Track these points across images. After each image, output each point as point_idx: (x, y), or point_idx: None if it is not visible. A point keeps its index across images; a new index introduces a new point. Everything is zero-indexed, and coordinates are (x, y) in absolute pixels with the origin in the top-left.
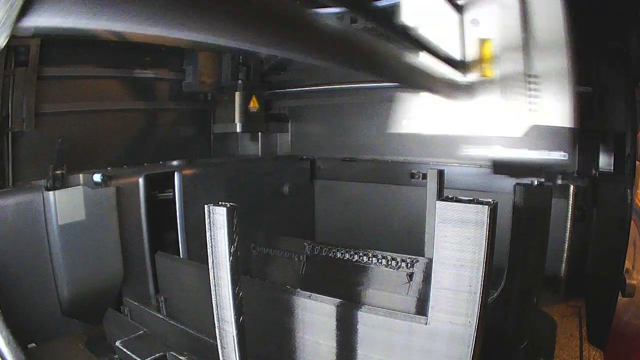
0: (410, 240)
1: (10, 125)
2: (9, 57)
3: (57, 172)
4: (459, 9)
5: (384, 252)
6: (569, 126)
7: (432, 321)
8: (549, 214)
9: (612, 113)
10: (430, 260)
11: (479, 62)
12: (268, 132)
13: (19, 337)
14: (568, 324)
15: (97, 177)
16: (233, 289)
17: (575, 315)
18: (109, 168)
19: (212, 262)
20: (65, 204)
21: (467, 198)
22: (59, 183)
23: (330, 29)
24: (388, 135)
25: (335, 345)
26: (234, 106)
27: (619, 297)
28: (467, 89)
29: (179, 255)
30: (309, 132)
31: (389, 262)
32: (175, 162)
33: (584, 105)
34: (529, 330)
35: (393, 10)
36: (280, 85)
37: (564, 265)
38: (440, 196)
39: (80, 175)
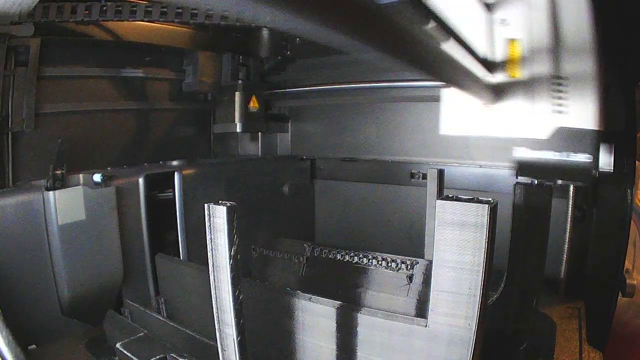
0: (410, 240)
1: (10, 125)
2: (9, 57)
3: (57, 172)
4: (489, 7)
5: (384, 254)
6: (593, 128)
7: (432, 323)
8: (549, 214)
9: (612, 113)
10: (430, 262)
11: (508, 62)
12: (268, 132)
13: (19, 337)
14: (567, 326)
15: (97, 177)
16: (233, 292)
17: (575, 317)
18: (109, 168)
19: (213, 265)
20: (65, 204)
21: (467, 197)
22: (59, 183)
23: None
24: (391, 136)
25: (335, 347)
26: (234, 106)
27: (618, 298)
28: (495, 89)
29: (179, 256)
30: (309, 132)
31: (389, 264)
32: (175, 162)
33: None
34: (528, 332)
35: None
36: (280, 85)
37: (563, 266)
38: (440, 196)
39: (80, 175)
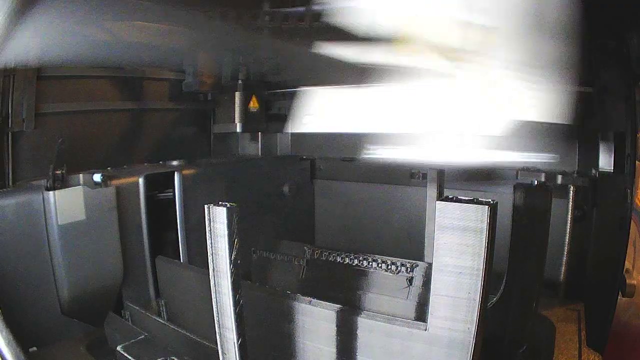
0: (410, 240)
1: (10, 125)
2: None
3: (57, 172)
4: None
5: (384, 257)
6: (558, 123)
7: (432, 327)
8: (549, 214)
9: (612, 113)
10: (430, 265)
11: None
12: (268, 132)
13: (20, 338)
14: (567, 328)
15: (97, 177)
16: (234, 296)
17: (575, 319)
18: (109, 168)
19: (213, 269)
20: (65, 204)
21: (467, 198)
22: (59, 183)
23: None
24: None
25: (335, 350)
26: (234, 106)
27: (618, 298)
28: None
29: (179, 256)
30: (309, 132)
31: (389, 267)
32: (175, 162)
33: (584, 105)
34: (528, 335)
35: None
36: (280, 85)
37: (563, 267)
38: (440, 196)
39: (80, 175)
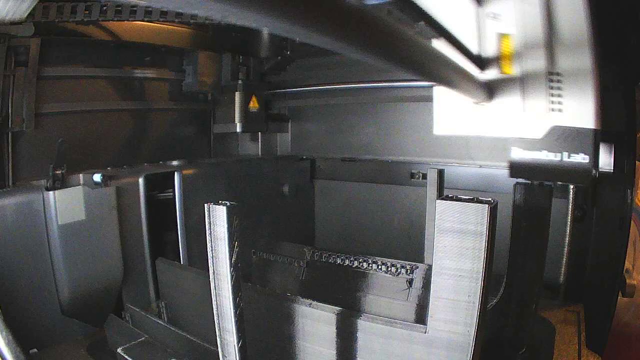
0: (410, 240)
1: (10, 125)
2: (9, 57)
3: (57, 172)
4: (479, 2)
5: (384, 259)
6: (591, 127)
7: (431, 330)
8: (549, 214)
9: (612, 113)
10: (430, 267)
11: (499, 58)
12: (268, 132)
13: (20, 338)
14: (567, 330)
15: (97, 177)
16: (234, 299)
17: (574, 321)
18: (109, 168)
19: (213, 272)
20: (65, 204)
21: (467, 197)
22: (59, 183)
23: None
24: (391, 136)
25: (335, 353)
26: (234, 106)
27: (618, 298)
28: (489, 87)
29: (179, 255)
30: (309, 132)
31: (389, 269)
32: (175, 162)
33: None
34: (527, 337)
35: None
36: (280, 85)
37: (563, 268)
38: (440, 196)
39: (80, 175)
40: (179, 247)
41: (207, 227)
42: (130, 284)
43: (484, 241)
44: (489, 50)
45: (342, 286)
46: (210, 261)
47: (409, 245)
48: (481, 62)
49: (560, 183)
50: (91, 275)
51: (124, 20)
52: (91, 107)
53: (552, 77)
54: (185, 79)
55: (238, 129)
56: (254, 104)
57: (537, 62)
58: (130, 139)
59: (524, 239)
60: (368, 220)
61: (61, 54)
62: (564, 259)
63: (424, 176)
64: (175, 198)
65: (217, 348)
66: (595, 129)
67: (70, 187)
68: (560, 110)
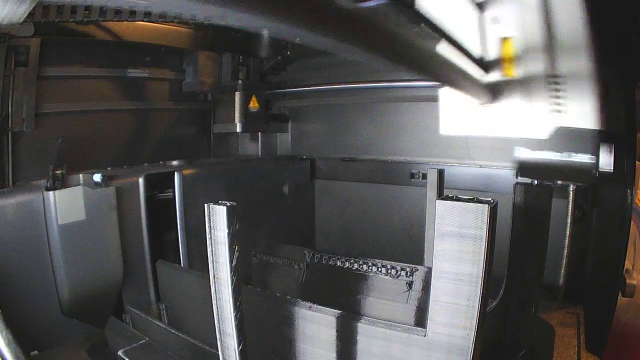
0: (411, 240)
1: (10, 125)
2: (9, 57)
3: (57, 172)
4: (480, 6)
5: (384, 261)
6: (595, 128)
7: (431, 333)
8: (549, 215)
9: (612, 113)
10: (430, 269)
11: (502, 60)
12: (268, 132)
13: (20, 339)
14: (566, 332)
15: (97, 177)
16: (234, 303)
17: (574, 323)
18: (109, 168)
19: (214, 276)
20: (65, 204)
21: (467, 197)
22: (59, 183)
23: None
24: (391, 136)
25: (335, 355)
26: (234, 106)
27: (618, 299)
28: (491, 88)
29: (179, 255)
30: (309, 132)
31: (389, 271)
32: (175, 162)
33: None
34: (527, 339)
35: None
36: (280, 85)
37: (563, 269)
38: (440, 196)
39: (80, 175)
40: (178, 247)
41: (207, 230)
42: (131, 285)
43: (484, 242)
44: (491, 52)
45: (342, 288)
46: (210, 265)
47: (409, 245)
48: (484, 65)
49: (560, 183)
50: (91, 275)
51: (123, 21)
52: (91, 107)
53: (552, 80)
54: (185, 79)
55: (238, 129)
56: (254, 104)
57: (538, 65)
58: (130, 139)
59: (524, 239)
60: (368, 220)
61: (61, 54)
62: (564, 260)
63: (424, 176)
64: (175, 198)
65: (218, 351)
66: (598, 129)
67: (70, 187)
68: (561, 112)
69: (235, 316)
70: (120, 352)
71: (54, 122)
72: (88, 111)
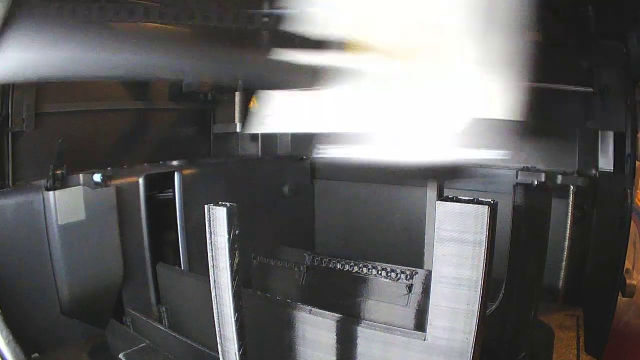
0: (411, 240)
1: (10, 125)
2: None
3: (57, 172)
4: None
5: (384, 264)
6: (510, 120)
7: (430, 337)
8: (549, 216)
9: (612, 113)
10: (430, 273)
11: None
12: (268, 132)
13: (20, 338)
14: (565, 334)
15: (97, 177)
16: (235, 308)
17: (573, 325)
18: (109, 168)
19: (214, 280)
20: (65, 204)
21: (467, 198)
22: (59, 183)
23: None
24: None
25: (335, 359)
26: (234, 106)
27: (618, 299)
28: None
29: (179, 256)
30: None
31: (389, 274)
32: (175, 162)
33: (584, 105)
34: (526, 342)
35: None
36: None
37: (562, 270)
38: (441, 196)
39: (80, 175)
40: (178, 247)
41: (207, 235)
42: (131, 285)
43: (484, 247)
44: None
45: (342, 291)
46: (210, 270)
47: (409, 246)
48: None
49: (560, 183)
50: (91, 275)
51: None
52: (91, 107)
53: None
54: (185, 79)
55: (238, 129)
56: (254, 104)
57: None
58: (130, 139)
59: (524, 240)
60: (368, 220)
61: None
62: (564, 261)
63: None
64: (175, 198)
65: (218, 353)
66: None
67: (70, 187)
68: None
69: (236, 321)
70: (121, 355)
71: (54, 122)
72: (88, 111)
